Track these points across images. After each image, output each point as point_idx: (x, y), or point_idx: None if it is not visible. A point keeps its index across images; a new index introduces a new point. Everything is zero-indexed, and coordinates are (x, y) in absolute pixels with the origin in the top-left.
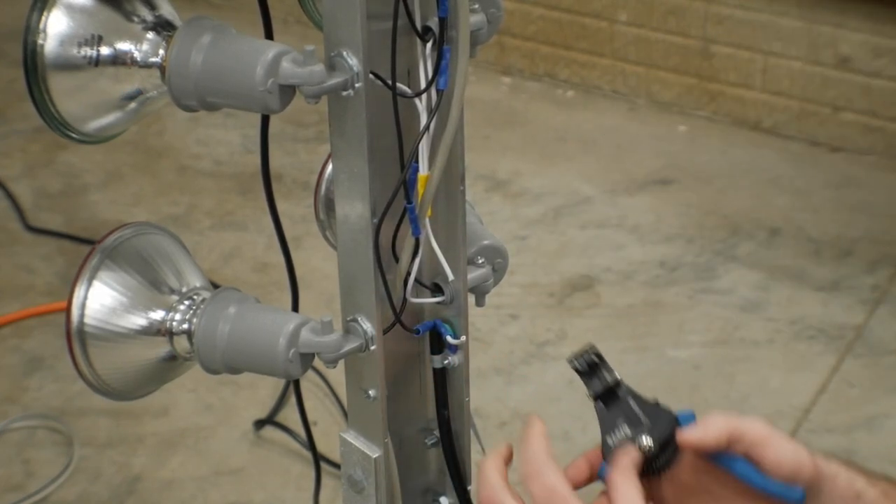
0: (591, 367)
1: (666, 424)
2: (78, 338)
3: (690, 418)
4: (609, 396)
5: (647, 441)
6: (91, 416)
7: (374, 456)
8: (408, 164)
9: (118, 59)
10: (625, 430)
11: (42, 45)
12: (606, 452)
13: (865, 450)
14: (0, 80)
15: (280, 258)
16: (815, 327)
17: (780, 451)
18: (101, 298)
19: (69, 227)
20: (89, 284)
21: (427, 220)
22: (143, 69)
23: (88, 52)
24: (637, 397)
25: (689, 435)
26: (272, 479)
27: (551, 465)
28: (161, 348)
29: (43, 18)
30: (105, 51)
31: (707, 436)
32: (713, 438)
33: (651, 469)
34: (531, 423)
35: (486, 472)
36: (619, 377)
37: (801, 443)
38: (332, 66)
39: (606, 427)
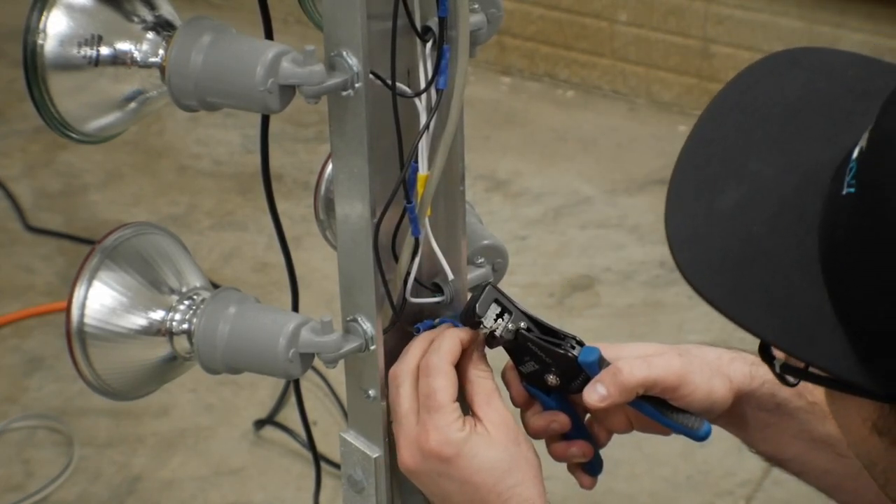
0: (497, 316)
1: (567, 365)
2: (78, 338)
3: (593, 353)
4: (515, 340)
5: (553, 379)
6: (91, 416)
7: (374, 456)
8: (407, 164)
9: (118, 59)
10: (532, 366)
11: (42, 45)
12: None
13: None
14: (0, 80)
15: (280, 258)
16: None
17: (692, 394)
18: (101, 298)
19: (69, 227)
20: (89, 284)
21: (427, 219)
22: (143, 69)
23: (88, 52)
24: (540, 335)
25: (596, 400)
26: (272, 479)
27: (444, 370)
28: (161, 348)
29: (43, 18)
30: (105, 51)
31: (615, 398)
32: (623, 399)
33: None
34: (462, 331)
35: (411, 348)
36: (520, 323)
37: (723, 371)
38: (332, 66)
39: (517, 361)
